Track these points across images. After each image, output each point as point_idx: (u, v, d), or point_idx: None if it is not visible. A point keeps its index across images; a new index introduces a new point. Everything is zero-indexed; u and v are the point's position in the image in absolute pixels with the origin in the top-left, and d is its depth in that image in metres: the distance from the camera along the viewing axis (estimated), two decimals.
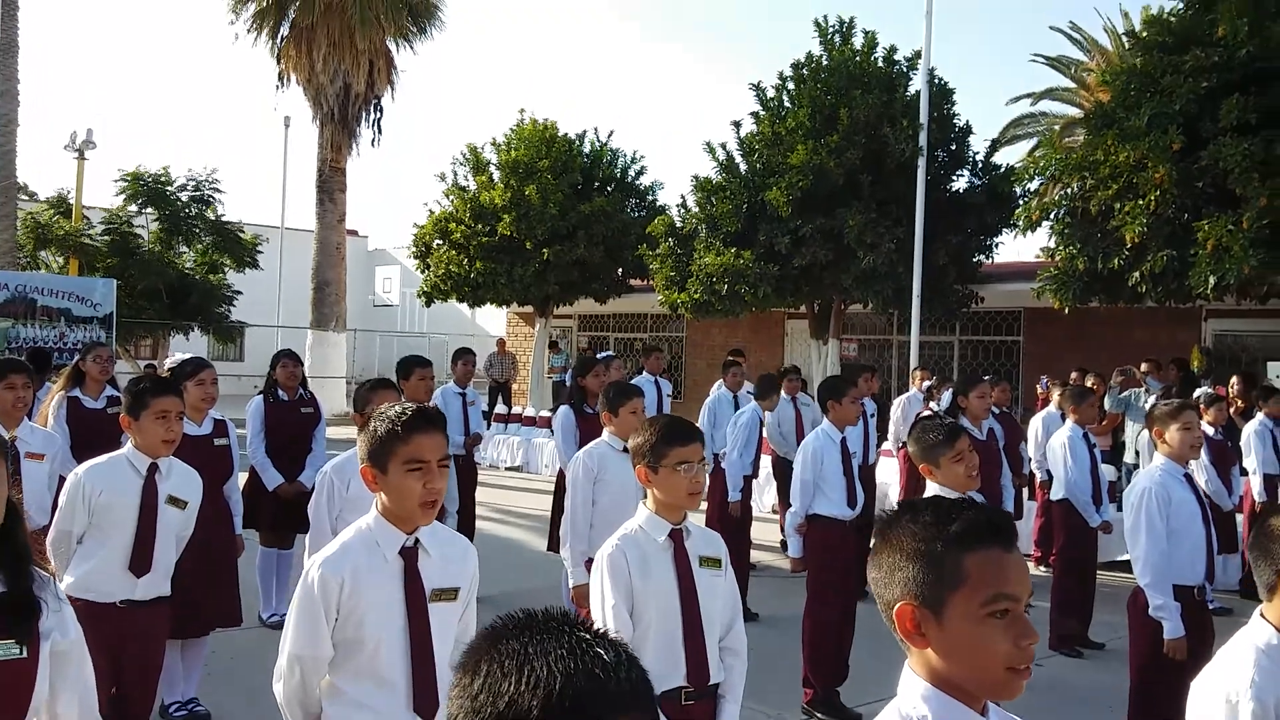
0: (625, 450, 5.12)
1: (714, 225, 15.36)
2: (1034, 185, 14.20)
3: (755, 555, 8.95)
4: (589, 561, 5.03)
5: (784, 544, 9.59)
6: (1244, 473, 9.00)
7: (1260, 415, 9.29)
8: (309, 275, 24.50)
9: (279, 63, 24.17)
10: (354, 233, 30.20)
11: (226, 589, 5.58)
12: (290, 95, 28.97)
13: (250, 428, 7.06)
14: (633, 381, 7.15)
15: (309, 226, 25.28)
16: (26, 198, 25.47)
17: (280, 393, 7.20)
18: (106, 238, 22.10)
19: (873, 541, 1.75)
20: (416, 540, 2.71)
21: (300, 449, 7.12)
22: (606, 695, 1.07)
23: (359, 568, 2.65)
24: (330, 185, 24.49)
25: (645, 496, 3.15)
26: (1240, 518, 8.82)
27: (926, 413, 10.12)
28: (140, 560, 4.10)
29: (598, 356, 8.34)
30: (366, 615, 2.63)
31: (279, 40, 24.08)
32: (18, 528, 2.27)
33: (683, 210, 16.48)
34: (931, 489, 3.99)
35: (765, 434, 10.46)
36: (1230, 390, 10.16)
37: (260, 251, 24.43)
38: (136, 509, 4.08)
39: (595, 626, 1.16)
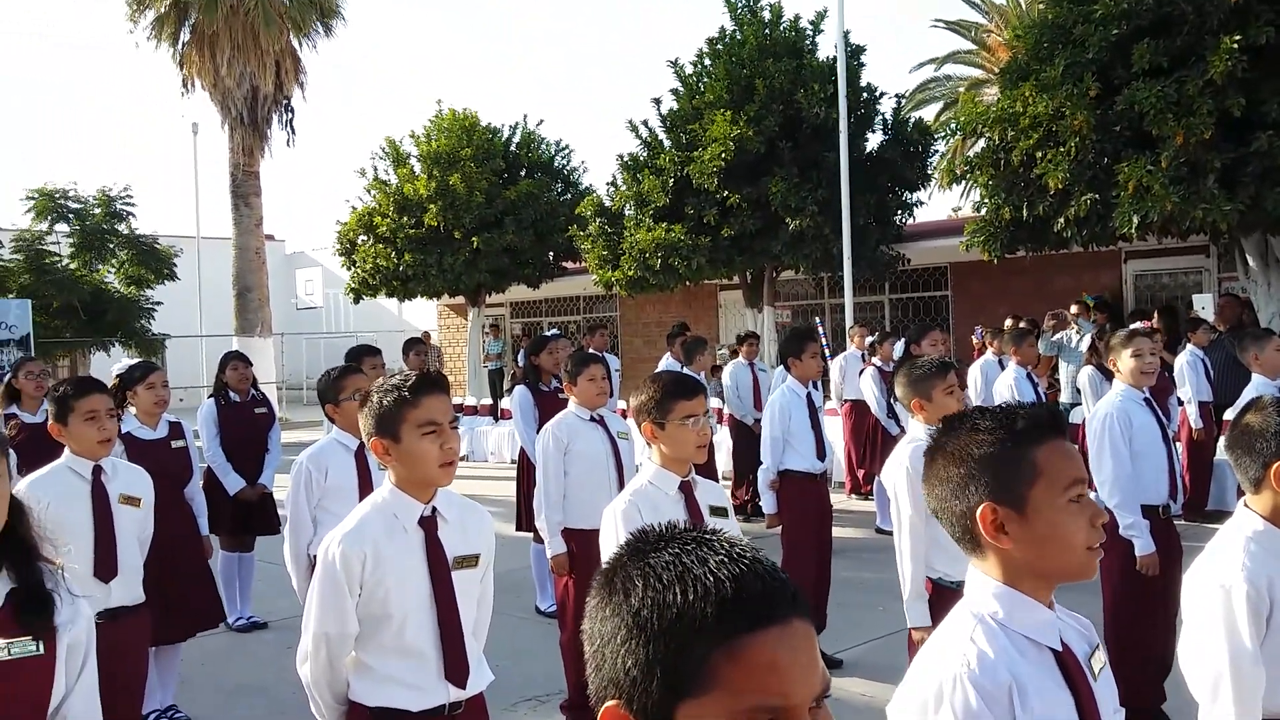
0: (592, 419, 5.16)
1: (643, 202, 15.37)
2: (951, 140, 14.41)
3: None
4: (565, 531, 5.07)
5: (743, 505, 9.72)
6: (1180, 402, 9.32)
7: (1189, 346, 9.64)
8: (229, 283, 23.97)
9: (182, 68, 23.50)
10: (270, 237, 29.59)
11: (205, 590, 5.50)
12: (196, 100, 28.30)
13: (204, 432, 6.92)
14: None
15: (225, 234, 24.74)
16: None
17: (232, 394, 7.09)
18: (18, 257, 21.44)
19: (921, 462, 1.80)
20: (434, 509, 2.69)
21: (256, 450, 7.02)
22: (775, 597, 1.05)
23: (379, 541, 2.62)
24: (245, 190, 23.92)
25: (650, 454, 3.18)
26: (1179, 446, 9.11)
27: (870, 369, 10.30)
28: (105, 564, 3.97)
29: (545, 335, 8.35)
30: (391, 589, 2.61)
31: (180, 46, 23.46)
32: (20, 523, 2.20)
33: (611, 189, 16.46)
34: (913, 430, 4.05)
35: (724, 398, 10.57)
36: (1154, 324, 10.49)
37: (175, 263, 23.92)
38: (90, 514, 3.93)
39: (734, 538, 1.12)
